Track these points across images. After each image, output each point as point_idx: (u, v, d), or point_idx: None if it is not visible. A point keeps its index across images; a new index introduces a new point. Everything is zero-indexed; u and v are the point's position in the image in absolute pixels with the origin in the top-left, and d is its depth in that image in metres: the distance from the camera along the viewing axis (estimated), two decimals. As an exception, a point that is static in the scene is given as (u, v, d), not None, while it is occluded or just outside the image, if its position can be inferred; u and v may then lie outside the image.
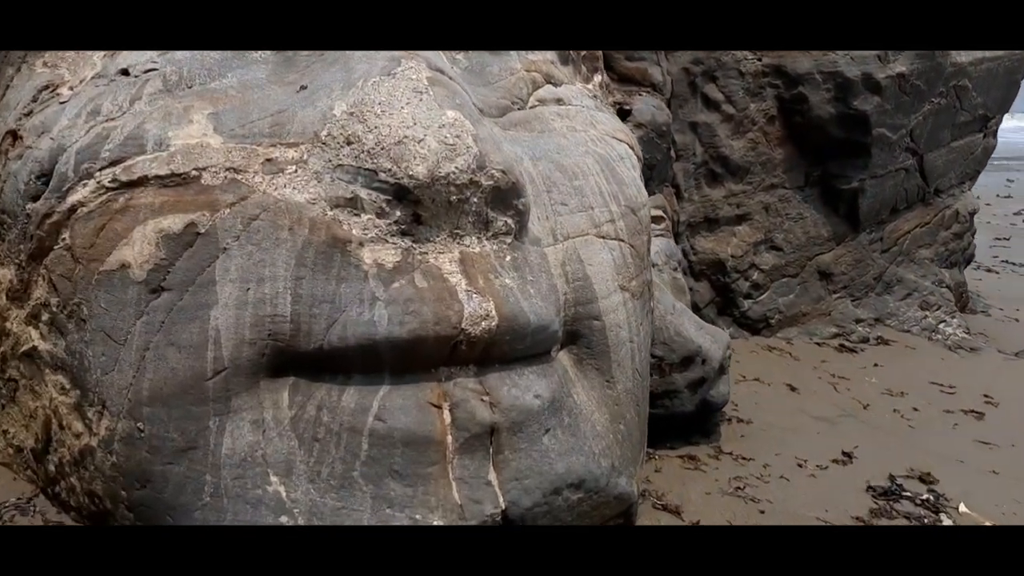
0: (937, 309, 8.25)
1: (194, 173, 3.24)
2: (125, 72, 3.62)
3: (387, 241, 3.26)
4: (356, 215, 3.24)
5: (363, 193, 3.21)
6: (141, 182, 3.24)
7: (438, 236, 3.32)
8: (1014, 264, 12.77)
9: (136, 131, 3.33)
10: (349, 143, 3.25)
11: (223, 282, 3.14)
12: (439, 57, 3.65)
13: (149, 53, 3.60)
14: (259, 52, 3.78)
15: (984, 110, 8.89)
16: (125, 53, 3.68)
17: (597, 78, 5.06)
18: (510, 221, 3.46)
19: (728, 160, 6.85)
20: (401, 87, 3.36)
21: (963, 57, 8.07)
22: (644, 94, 5.89)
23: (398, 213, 3.24)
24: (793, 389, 5.95)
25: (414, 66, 3.46)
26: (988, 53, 8.59)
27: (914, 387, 6.24)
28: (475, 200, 3.31)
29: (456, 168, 3.22)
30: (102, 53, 3.73)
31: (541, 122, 4.22)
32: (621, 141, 4.52)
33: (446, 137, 3.24)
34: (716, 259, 6.93)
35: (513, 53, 4.41)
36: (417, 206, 3.23)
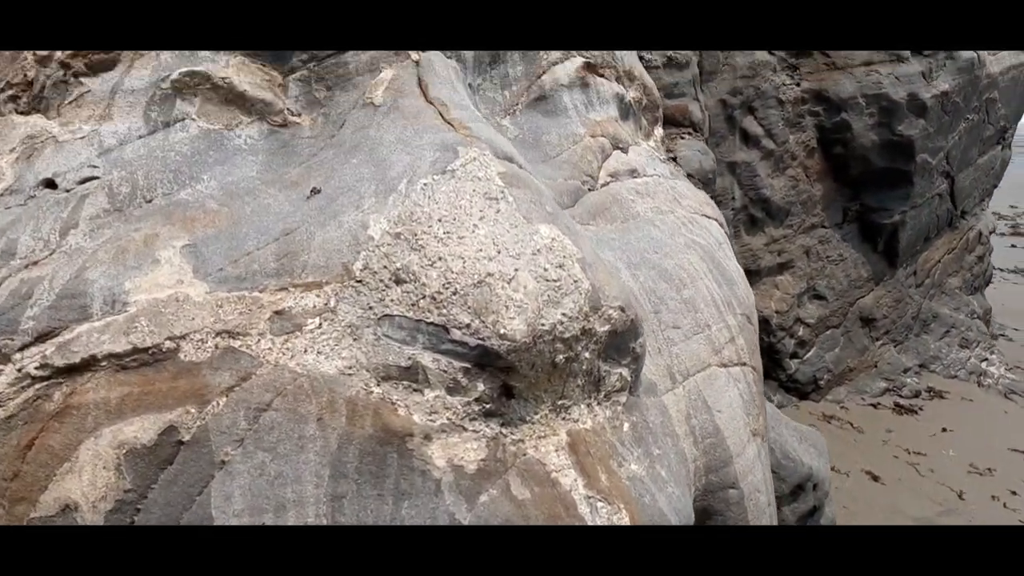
0: (976, 346, 7.51)
1: (168, 345, 2.11)
2: (51, 184, 2.41)
3: (465, 429, 2.18)
4: (417, 391, 2.16)
5: (427, 360, 2.13)
6: (87, 365, 2.09)
7: (536, 413, 2.26)
8: (1004, 271, 12.25)
9: (74, 283, 2.17)
10: (399, 281, 2.17)
11: (224, 516, 2.02)
12: (498, 136, 2.58)
13: (84, 154, 2.43)
14: (243, 136, 2.65)
15: (1005, 121, 8.17)
16: (48, 153, 2.49)
17: (658, 131, 4.05)
18: (625, 372, 2.42)
19: (769, 202, 5.91)
20: (467, 191, 2.29)
21: (994, 67, 7.30)
22: (687, 137, 4.91)
23: (481, 387, 2.16)
24: (875, 479, 5.05)
25: (478, 157, 2.39)
26: (1015, 60, 7.86)
27: (996, 458, 5.44)
28: (587, 355, 2.26)
29: (564, 315, 2.17)
30: (13, 155, 2.51)
31: (622, 206, 3.18)
32: (711, 218, 3.53)
33: (545, 269, 2.18)
34: (760, 317, 5.98)
35: (572, 114, 3.36)
36: (509, 375, 2.17)
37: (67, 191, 2.36)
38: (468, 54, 3.17)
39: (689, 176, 4.76)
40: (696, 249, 3.10)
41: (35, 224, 2.28)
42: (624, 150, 3.48)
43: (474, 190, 2.28)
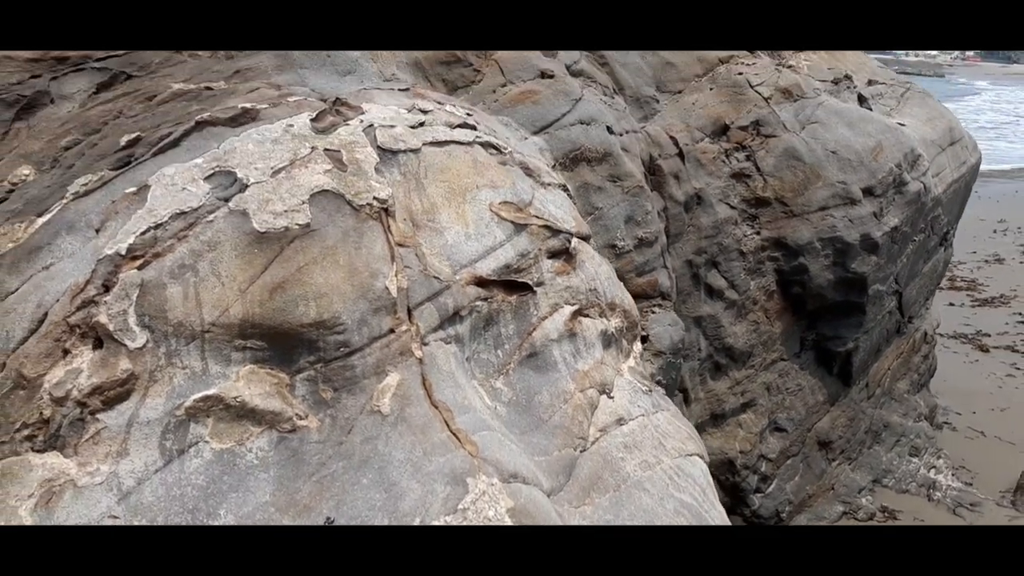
0: (924, 453, 7.86)
1: None
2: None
3: None
4: None
5: None
6: None
7: None
8: (944, 337, 12.68)
9: None
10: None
11: None
12: (503, 446, 2.72)
13: (104, 502, 2.53)
14: (254, 451, 2.74)
15: (947, 228, 8.57)
16: (67, 499, 2.54)
17: (637, 347, 4.22)
18: None
19: (732, 349, 6.15)
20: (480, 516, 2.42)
21: (938, 188, 7.66)
22: (657, 310, 5.10)
23: None
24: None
25: (486, 490, 2.53)
26: (957, 174, 8.25)
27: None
28: None
29: None
30: (31, 500, 2.56)
31: (613, 470, 3.34)
32: (694, 455, 3.71)
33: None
34: (725, 459, 6.21)
35: (562, 367, 3.51)
36: None
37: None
38: (464, 329, 3.29)
39: (660, 354, 4.95)
40: (684, 513, 3.26)
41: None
42: (610, 393, 3.64)
43: (488, 512, 2.42)
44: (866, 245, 6.54)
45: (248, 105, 3.39)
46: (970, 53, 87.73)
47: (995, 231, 20.77)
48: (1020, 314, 14.18)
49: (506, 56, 4.74)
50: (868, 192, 6.60)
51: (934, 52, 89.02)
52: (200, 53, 3.68)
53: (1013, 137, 38.01)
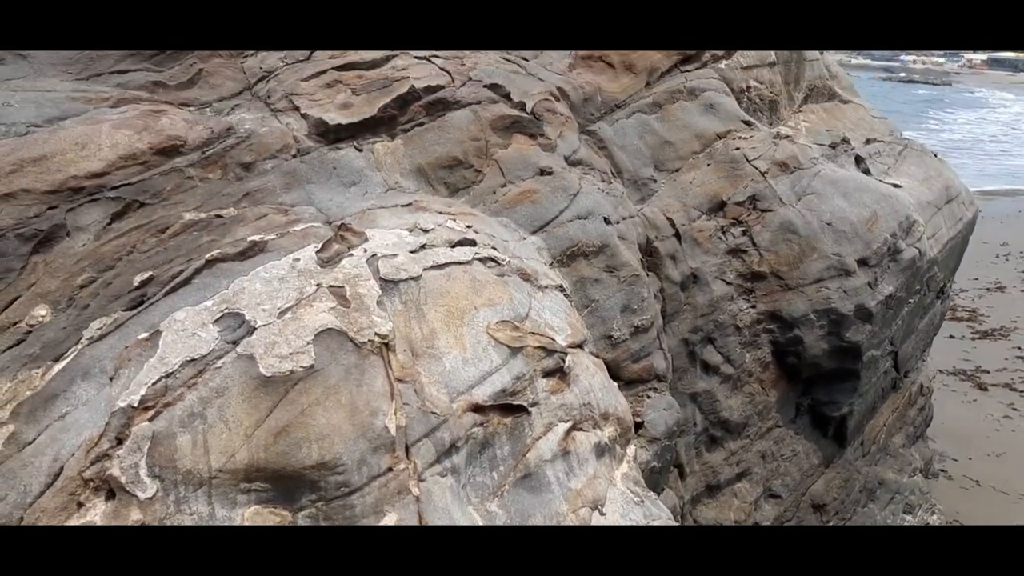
0: (919, 509, 7.97)
1: None
2: None
3: None
4: None
5: None
6: None
7: None
8: (944, 373, 12.78)
9: None
10: None
11: None
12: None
13: None
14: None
15: (944, 282, 8.67)
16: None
17: (630, 450, 4.35)
18: None
19: (728, 422, 6.27)
20: None
21: (934, 250, 7.77)
22: (652, 394, 5.23)
23: None
24: None
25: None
26: (952, 232, 8.36)
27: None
28: None
29: None
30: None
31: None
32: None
33: None
34: (719, 529, 6.33)
35: (555, 488, 3.66)
36: None
37: None
38: (460, 459, 3.43)
39: (655, 440, 5.08)
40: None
41: None
42: (601, 509, 3.77)
43: None
44: (860, 315, 6.65)
45: (256, 237, 3.54)
46: (977, 61, 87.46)
47: (997, 255, 20.80)
48: (1020, 348, 14.26)
49: (506, 156, 4.88)
50: (863, 263, 6.71)
51: (941, 59, 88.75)
52: (209, 175, 3.82)
53: (1019, 152, 37.89)
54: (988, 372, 13.17)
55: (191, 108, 4.69)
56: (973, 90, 68.12)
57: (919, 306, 8.01)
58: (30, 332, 3.20)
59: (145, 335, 3.14)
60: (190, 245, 3.53)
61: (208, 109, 4.71)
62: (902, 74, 77.69)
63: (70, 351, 3.11)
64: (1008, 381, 12.79)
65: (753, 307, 6.37)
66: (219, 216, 3.68)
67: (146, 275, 3.33)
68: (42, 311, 3.25)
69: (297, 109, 4.46)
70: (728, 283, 6.22)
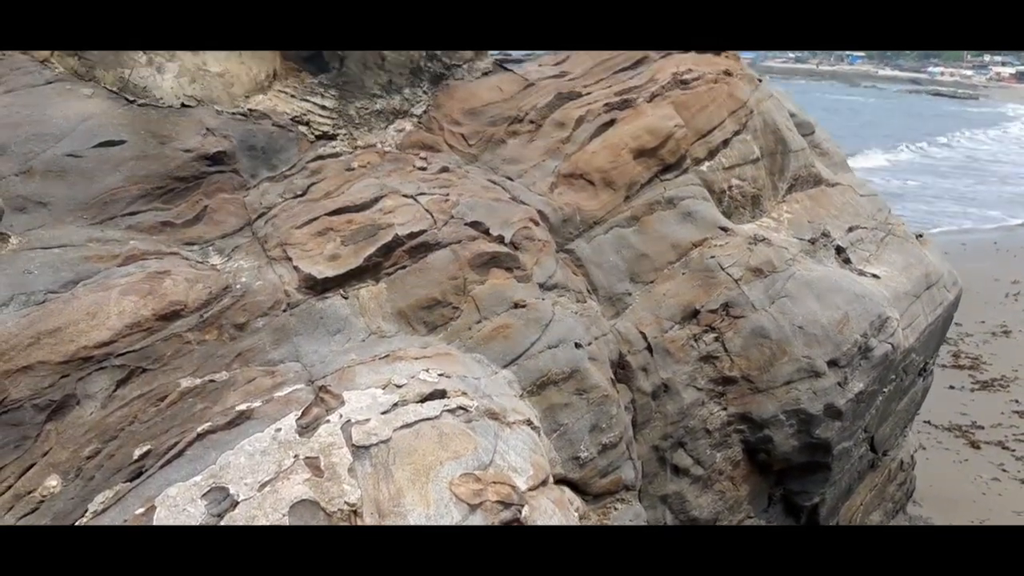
0: (892, 587, 8.26)
1: None
2: None
3: None
4: None
5: None
6: None
7: None
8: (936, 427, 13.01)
9: None
10: None
11: None
12: None
13: None
14: None
15: (924, 363, 8.97)
16: None
17: None
18: None
19: (697, 520, 6.64)
20: None
21: (910, 338, 8.08)
22: (619, 506, 5.61)
23: None
24: None
25: None
26: (932, 318, 8.65)
27: None
28: None
29: None
30: None
31: None
32: None
33: None
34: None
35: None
36: None
37: None
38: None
39: None
40: None
41: None
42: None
43: None
44: (830, 413, 6.99)
45: (243, 407, 3.99)
46: (1006, 75, 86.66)
47: (1007, 295, 20.84)
48: (1018, 401, 14.44)
49: (482, 292, 5.29)
50: (833, 363, 7.06)
51: (969, 72, 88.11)
52: (206, 337, 4.28)
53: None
54: (983, 428, 13.38)
55: (195, 247, 5.16)
56: (999, 106, 67.67)
57: (896, 391, 8.32)
58: (42, 502, 3.66)
59: (141, 510, 3.60)
60: (185, 414, 3.98)
61: (211, 248, 5.18)
62: (929, 86, 77.31)
63: (77, 523, 3.58)
64: (1002, 439, 13.00)
65: (724, 410, 6.74)
66: (212, 381, 4.13)
67: (145, 448, 3.79)
68: (53, 481, 3.72)
69: (290, 259, 4.91)
70: (699, 389, 6.60)
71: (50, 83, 5.71)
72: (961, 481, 11.79)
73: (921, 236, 9.70)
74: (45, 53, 5.88)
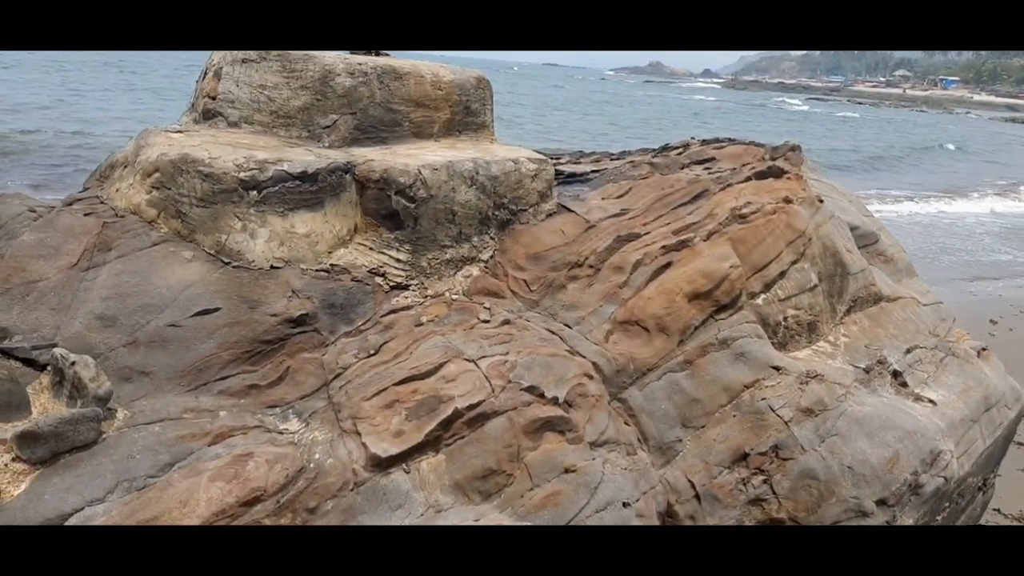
0: None
1: None
2: None
3: None
4: None
5: None
6: None
7: None
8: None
9: None
10: None
11: None
12: None
13: None
14: None
15: (983, 481, 8.98)
16: None
17: None
18: None
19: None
20: None
21: (965, 467, 8.15)
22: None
23: None
24: None
25: None
26: (990, 440, 8.68)
27: None
28: None
29: None
30: None
31: None
32: None
33: None
34: None
35: None
36: None
37: None
38: None
39: None
40: None
41: None
42: None
43: None
44: (877, 552, 7.15)
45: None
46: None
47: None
48: (1096, 489, 14.05)
49: (534, 459, 5.69)
50: (881, 503, 7.22)
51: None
52: (281, 522, 4.80)
53: None
54: (1056, 515, 13.10)
55: (276, 410, 5.71)
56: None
57: (952, 513, 8.39)
58: None
59: None
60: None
61: (291, 411, 5.72)
62: (1007, 113, 74.46)
63: None
64: (1074, 533, 12.72)
65: None
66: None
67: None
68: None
69: (359, 434, 5.40)
70: None
71: (156, 245, 6.37)
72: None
73: (985, 350, 9.69)
74: (153, 214, 6.54)
